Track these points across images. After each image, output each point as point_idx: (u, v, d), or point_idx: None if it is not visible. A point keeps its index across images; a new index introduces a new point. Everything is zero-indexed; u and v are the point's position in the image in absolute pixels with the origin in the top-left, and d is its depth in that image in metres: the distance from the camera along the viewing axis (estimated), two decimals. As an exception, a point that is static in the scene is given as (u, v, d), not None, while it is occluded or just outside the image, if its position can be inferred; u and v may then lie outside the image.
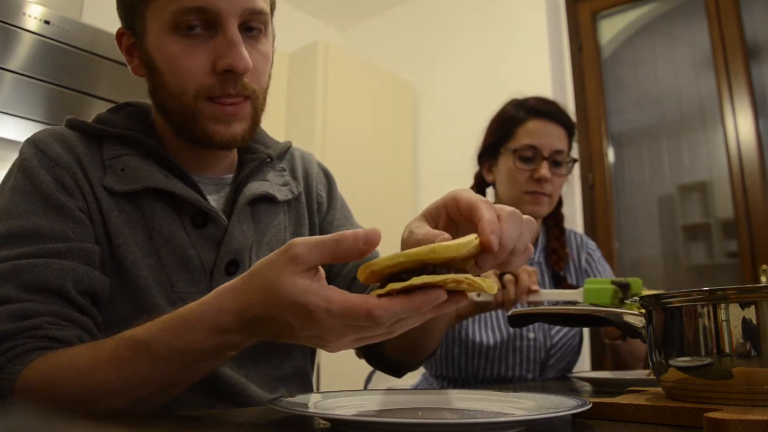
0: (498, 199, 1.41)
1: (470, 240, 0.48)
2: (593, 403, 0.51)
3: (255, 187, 0.81)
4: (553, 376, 1.36)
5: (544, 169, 1.30)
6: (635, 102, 2.87)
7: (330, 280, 0.85)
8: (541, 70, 2.80)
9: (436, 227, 0.57)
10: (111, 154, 0.75)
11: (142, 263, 0.71)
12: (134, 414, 0.56)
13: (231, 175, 0.84)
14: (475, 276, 0.48)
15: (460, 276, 0.47)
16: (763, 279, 2.25)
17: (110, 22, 0.91)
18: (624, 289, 1.09)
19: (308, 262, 0.47)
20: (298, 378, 0.84)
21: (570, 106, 2.67)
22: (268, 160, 0.86)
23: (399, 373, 0.88)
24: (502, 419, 0.45)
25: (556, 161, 1.33)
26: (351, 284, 0.85)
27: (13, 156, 0.75)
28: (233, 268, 0.76)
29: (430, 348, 0.86)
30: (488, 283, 0.48)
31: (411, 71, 3.39)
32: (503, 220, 0.50)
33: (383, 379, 1.40)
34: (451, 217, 0.57)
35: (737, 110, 2.43)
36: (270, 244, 0.82)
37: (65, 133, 0.75)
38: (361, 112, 3.06)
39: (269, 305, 0.48)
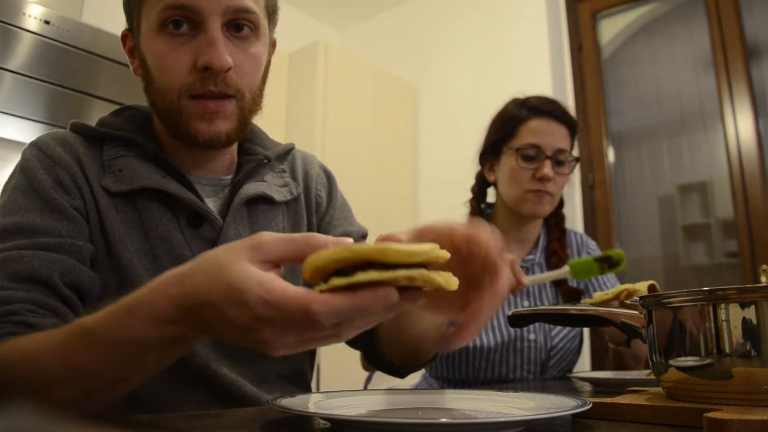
0: (500, 199, 1.41)
1: (428, 250, 0.43)
2: (593, 403, 0.51)
3: (251, 188, 0.81)
4: (553, 377, 1.36)
5: (547, 168, 1.30)
6: (635, 102, 2.87)
7: None
8: (541, 70, 2.80)
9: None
10: (110, 155, 0.77)
11: (137, 263, 0.72)
12: (134, 414, 0.56)
13: (230, 177, 0.85)
14: (430, 271, 0.43)
15: (414, 272, 0.42)
16: (763, 279, 2.25)
17: (110, 22, 0.91)
18: (606, 260, 1.11)
19: (270, 254, 0.44)
20: (295, 378, 0.84)
21: (570, 106, 2.67)
22: (266, 161, 0.86)
23: (401, 374, 0.88)
24: (502, 419, 0.45)
25: (559, 160, 1.33)
26: None
27: (13, 156, 0.76)
28: None
29: (431, 352, 0.86)
30: (445, 277, 0.43)
31: (411, 71, 3.39)
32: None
33: (383, 379, 1.40)
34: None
35: (737, 110, 2.43)
36: None
37: (67, 135, 0.78)
38: (361, 112, 3.06)
39: (210, 290, 0.44)
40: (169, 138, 0.79)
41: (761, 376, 0.48)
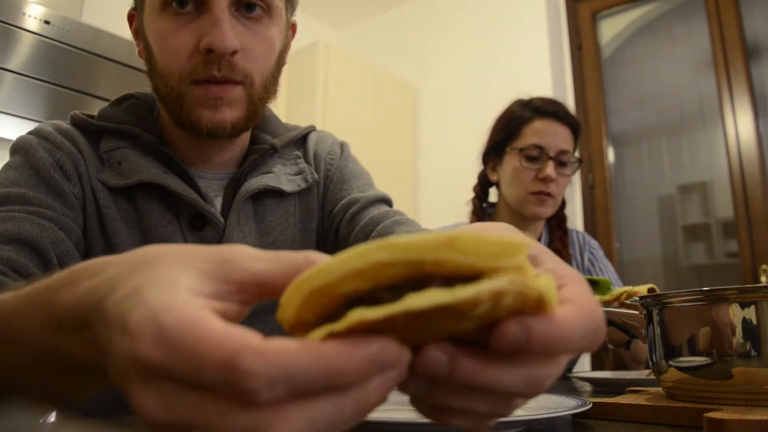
0: (502, 199, 1.41)
1: (523, 242, 0.23)
2: (593, 403, 0.51)
3: (254, 182, 0.74)
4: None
5: (550, 169, 1.30)
6: (635, 102, 2.87)
7: None
8: (541, 70, 2.80)
9: None
10: (108, 146, 0.72)
11: None
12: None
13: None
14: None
15: (501, 282, 0.22)
16: (763, 279, 2.25)
17: (110, 22, 0.91)
18: (592, 285, 1.10)
19: (239, 273, 0.26)
20: None
21: (570, 106, 2.67)
22: (272, 150, 0.79)
23: None
24: (502, 419, 0.45)
25: (562, 161, 1.34)
26: None
27: (13, 156, 0.74)
28: None
29: None
30: (547, 281, 0.24)
31: (411, 71, 3.39)
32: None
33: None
34: None
35: (737, 110, 2.43)
36: (276, 244, 0.76)
37: (67, 126, 0.73)
38: (361, 111, 3.06)
39: (110, 290, 0.25)
40: (174, 128, 0.73)
41: (761, 376, 0.48)
